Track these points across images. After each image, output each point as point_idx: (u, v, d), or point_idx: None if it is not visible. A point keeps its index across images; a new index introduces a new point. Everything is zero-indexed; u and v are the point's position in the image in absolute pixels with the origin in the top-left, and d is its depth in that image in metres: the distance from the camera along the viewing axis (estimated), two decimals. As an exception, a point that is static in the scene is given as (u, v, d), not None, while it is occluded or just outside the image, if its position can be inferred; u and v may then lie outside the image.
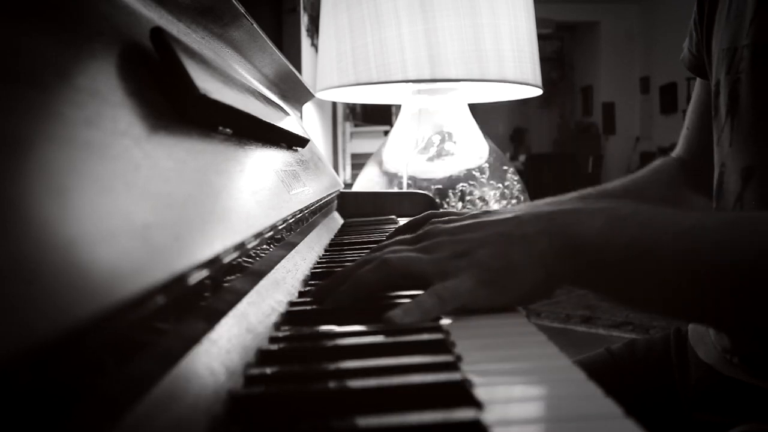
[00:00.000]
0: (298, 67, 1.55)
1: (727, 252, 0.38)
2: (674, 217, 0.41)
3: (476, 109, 1.55)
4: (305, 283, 0.52)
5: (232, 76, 0.51)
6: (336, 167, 2.27)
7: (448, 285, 0.40)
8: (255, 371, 0.30)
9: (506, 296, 0.41)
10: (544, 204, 0.45)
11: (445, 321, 0.39)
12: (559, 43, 8.43)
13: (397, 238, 0.49)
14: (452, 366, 0.30)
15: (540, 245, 0.41)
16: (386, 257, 0.42)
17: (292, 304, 0.44)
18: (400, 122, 1.45)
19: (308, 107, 1.65)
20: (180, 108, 0.37)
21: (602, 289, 0.43)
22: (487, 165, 1.40)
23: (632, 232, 0.40)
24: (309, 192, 0.68)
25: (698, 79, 0.76)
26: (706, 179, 0.75)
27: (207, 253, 0.29)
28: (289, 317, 0.41)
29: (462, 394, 0.27)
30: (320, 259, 0.65)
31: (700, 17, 0.69)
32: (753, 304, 0.38)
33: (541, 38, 1.51)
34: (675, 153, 0.83)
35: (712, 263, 0.38)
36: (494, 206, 1.36)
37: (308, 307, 0.43)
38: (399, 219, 1.00)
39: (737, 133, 0.61)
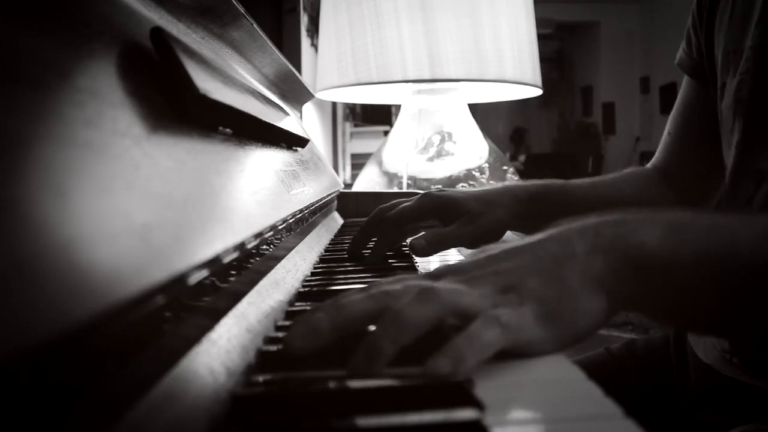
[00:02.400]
0: (298, 67, 1.55)
1: None
2: (742, 219, 0.36)
3: (476, 109, 1.55)
4: (305, 282, 0.52)
5: (232, 76, 0.51)
6: (336, 167, 2.27)
7: (505, 311, 0.31)
8: (255, 371, 0.30)
9: (570, 331, 0.33)
10: (567, 222, 0.37)
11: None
12: (559, 43, 8.42)
13: (403, 276, 0.38)
14: (452, 366, 0.30)
15: (596, 265, 0.34)
16: (434, 285, 0.32)
17: (292, 304, 0.44)
18: (400, 122, 1.45)
19: (308, 107, 1.65)
20: (180, 108, 0.37)
21: (668, 308, 0.36)
22: (487, 165, 1.40)
23: (700, 239, 0.34)
24: (309, 192, 0.68)
25: (686, 81, 0.75)
26: (682, 184, 0.75)
27: (207, 253, 0.29)
28: (289, 317, 0.41)
29: (462, 394, 0.27)
30: (320, 259, 0.65)
31: (699, 21, 0.69)
32: None
33: (541, 38, 1.51)
34: (650, 163, 0.80)
35: None
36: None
37: (308, 307, 0.43)
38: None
39: (744, 136, 0.61)
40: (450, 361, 0.28)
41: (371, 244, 0.66)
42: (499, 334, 0.30)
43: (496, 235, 0.66)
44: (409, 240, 0.62)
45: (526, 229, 0.70)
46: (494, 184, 0.71)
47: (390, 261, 0.63)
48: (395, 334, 0.30)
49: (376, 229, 0.65)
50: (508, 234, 0.68)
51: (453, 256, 0.68)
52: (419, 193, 0.67)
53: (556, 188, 0.70)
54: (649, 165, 0.80)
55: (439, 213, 0.65)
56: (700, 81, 0.71)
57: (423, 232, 0.63)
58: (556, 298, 0.33)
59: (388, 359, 0.29)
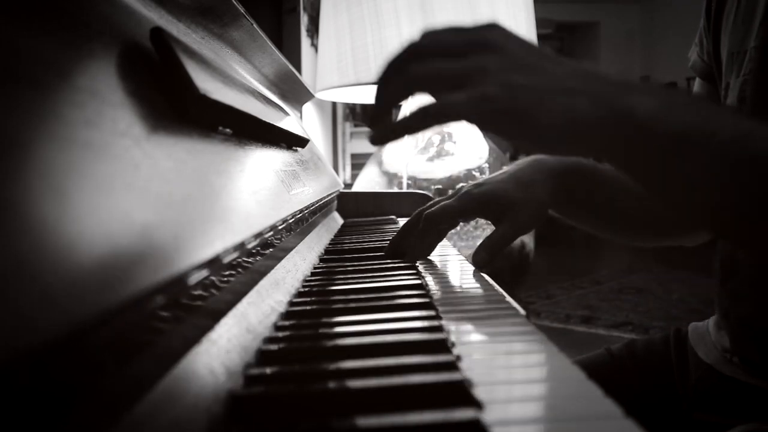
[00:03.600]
0: (298, 67, 1.55)
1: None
2: (732, 115, 0.38)
3: (476, 109, 1.55)
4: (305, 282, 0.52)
5: (232, 76, 0.51)
6: (336, 167, 2.27)
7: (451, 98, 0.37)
8: (255, 371, 0.30)
9: (518, 124, 0.37)
10: (591, 67, 0.40)
11: (446, 323, 0.39)
12: (559, 43, 8.42)
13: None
14: (452, 366, 0.30)
15: (582, 104, 0.37)
16: (416, 72, 0.39)
17: (292, 304, 0.44)
18: (400, 122, 1.45)
19: (308, 107, 1.65)
20: (180, 108, 0.37)
21: (639, 172, 0.39)
22: (486, 165, 1.40)
23: (690, 115, 0.37)
24: (309, 192, 0.68)
25: (697, 82, 0.75)
26: None
27: (207, 253, 0.29)
28: (289, 317, 0.41)
29: (462, 394, 0.27)
30: (320, 259, 0.65)
31: (707, 22, 0.69)
32: None
33: (541, 38, 1.51)
34: None
35: (762, 172, 0.36)
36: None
37: (308, 307, 0.43)
38: (399, 219, 1.00)
39: None
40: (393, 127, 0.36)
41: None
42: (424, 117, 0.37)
43: (541, 215, 0.64)
44: (470, 257, 0.61)
45: (566, 208, 0.69)
46: (519, 162, 0.69)
47: (393, 269, 0.61)
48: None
49: (416, 228, 0.64)
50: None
51: (452, 255, 0.68)
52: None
53: (589, 164, 0.69)
54: None
55: (483, 210, 0.64)
56: (711, 83, 0.71)
57: (479, 243, 0.61)
58: (527, 99, 0.36)
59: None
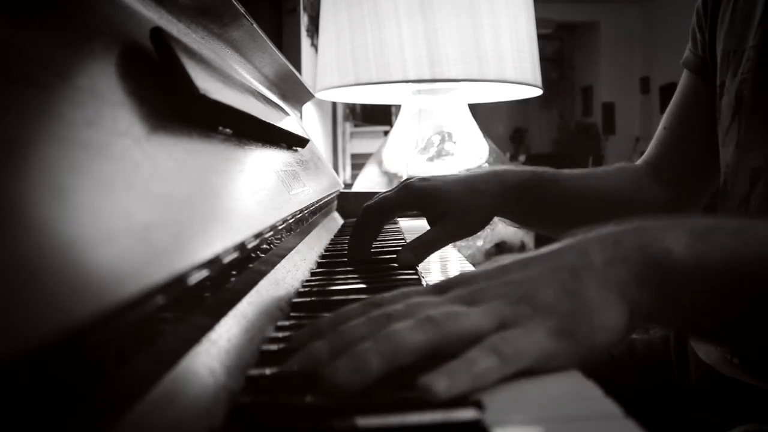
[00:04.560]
0: (298, 67, 1.55)
1: None
2: (766, 223, 0.34)
3: (476, 109, 1.55)
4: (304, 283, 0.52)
5: (232, 76, 0.51)
6: (336, 167, 2.27)
7: (508, 336, 0.29)
8: (255, 371, 0.30)
9: (585, 347, 0.30)
10: (585, 232, 0.35)
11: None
12: (559, 43, 8.42)
13: (407, 290, 0.35)
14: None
15: (616, 273, 0.32)
16: (430, 314, 0.30)
17: (292, 303, 0.44)
18: (400, 122, 1.45)
19: (308, 107, 1.65)
20: (180, 108, 0.37)
21: (696, 318, 0.34)
22: (487, 165, 1.40)
23: (728, 244, 0.33)
24: (309, 192, 0.68)
25: (686, 75, 0.74)
26: (673, 180, 0.74)
27: (207, 253, 0.29)
28: (289, 317, 0.41)
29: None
30: (320, 259, 0.64)
31: (704, 18, 0.69)
32: None
33: (541, 38, 1.51)
34: (642, 159, 0.79)
35: None
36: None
37: (308, 307, 0.43)
38: (399, 219, 1.00)
39: (744, 135, 0.61)
40: (445, 380, 0.26)
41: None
42: (497, 363, 0.28)
43: (482, 225, 0.63)
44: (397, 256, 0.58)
45: (514, 216, 0.69)
46: (482, 169, 0.68)
47: (392, 269, 0.58)
48: (389, 353, 0.28)
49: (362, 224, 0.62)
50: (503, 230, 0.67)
51: (452, 255, 0.68)
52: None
53: (547, 176, 0.68)
54: (640, 161, 0.79)
55: (422, 205, 0.62)
56: (703, 77, 0.71)
57: (407, 242, 0.59)
58: (571, 311, 0.30)
59: (373, 377, 0.27)
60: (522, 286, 0.32)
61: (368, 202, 0.62)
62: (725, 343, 0.38)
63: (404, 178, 1.34)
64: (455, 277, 0.35)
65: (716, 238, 0.33)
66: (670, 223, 0.34)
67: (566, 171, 0.72)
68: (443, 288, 0.34)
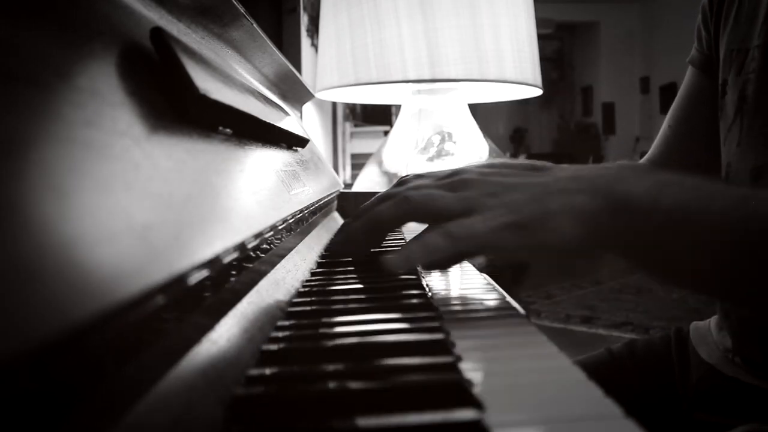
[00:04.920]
0: (298, 67, 1.55)
1: None
2: (723, 186, 0.41)
3: (476, 109, 1.55)
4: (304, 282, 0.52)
5: (232, 76, 0.51)
6: (336, 167, 2.27)
7: (464, 222, 0.37)
8: (255, 371, 0.30)
9: (534, 241, 0.37)
10: (576, 167, 0.42)
11: (447, 324, 0.39)
12: (559, 43, 8.43)
13: (419, 173, 0.46)
14: (452, 366, 0.30)
15: (580, 199, 0.38)
16: (407, 194, 0.40)
17: (292, 303, 0.44)
18: (400, 122, 1.45)
19: (308, 107, 1.65)
20: (180, 108, 0.37)
21: (641, 254, 0.40)
22: (487, 165, 1.40)
23: (681, 195, 0.39)
24: (309, 192, 0.68)
25: (691, 72, 0.75)
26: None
27: (207, 253, 0.29)
28: (289, 317, 0.41)
29: (462, 394, 0.27)
30: (320, 259, 0.65)
31: (710, 16, 0.69)
32: None
33: (541, 38, 1.51)
34: (645, 157, 0.80)
35: (762, 231, 0.37)
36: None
37: (308, 307, 0.43)
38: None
39: (746, 134, 0.61)
40: (401, 257, 0.35)
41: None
42: (446, 242, 0.36)
43: None
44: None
45: None
46: (479, 162, 0.68)
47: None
48: (370, 224, 0.40)
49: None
50: None
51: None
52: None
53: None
54: (644, 159, 0.79)
55: (420, 218, 0.61)
56: (708, 74, 0.71)
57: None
58: (529, 212, 0.37)
59: (360, 246, 0.40)
60: (499, 186, 0.39)
61: (365, 205, 0.60)
62: (668, 280, 0.43)
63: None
64: (458, 168, 0.43)
65: (671, 188, 0.39)
66: (640, 170, 0.41)
67: (561, 165, 0.72)
68: (447, 175, 0.42)
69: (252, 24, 0.61)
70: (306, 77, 1.59)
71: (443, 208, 0.38)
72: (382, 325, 0.37)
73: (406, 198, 0.40)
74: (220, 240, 0.32)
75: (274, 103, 0.72)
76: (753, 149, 0.60)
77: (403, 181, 0.44)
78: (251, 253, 0.41)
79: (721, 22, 0.66)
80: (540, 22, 1.41)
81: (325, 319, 0.41)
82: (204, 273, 0.29)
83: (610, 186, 0.39)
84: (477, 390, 0.27)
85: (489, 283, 0.52)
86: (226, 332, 0.32)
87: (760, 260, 0.37)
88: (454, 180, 0.40)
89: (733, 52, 0.63)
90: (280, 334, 0.36)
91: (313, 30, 1.79)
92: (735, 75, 0.62)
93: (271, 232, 0.47)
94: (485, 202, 0.38)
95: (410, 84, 1.29)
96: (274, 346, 0.34)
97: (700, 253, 0.39)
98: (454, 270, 0.61)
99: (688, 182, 0.40)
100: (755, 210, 0.37)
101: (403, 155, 1.39)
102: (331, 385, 0.29)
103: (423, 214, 0.39)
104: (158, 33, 0.37)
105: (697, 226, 0.38)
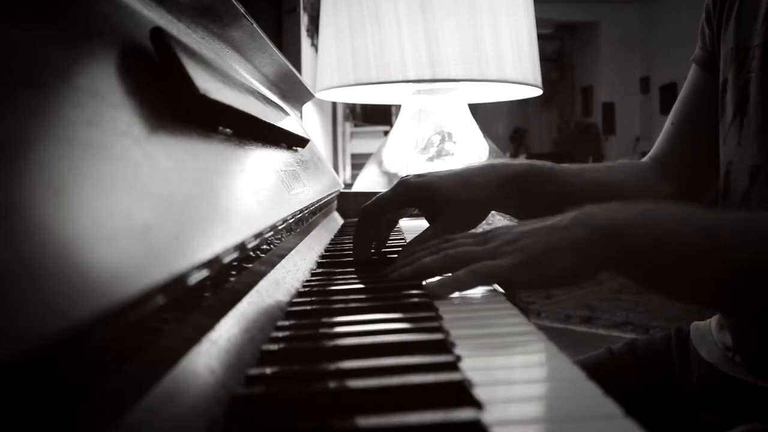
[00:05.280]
0: (298, 67, 1.55)
1: (732, 249, 0.45)
2: (694, 214, 0.47)
3: (476, 109, 1.55)
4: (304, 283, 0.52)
5: (232, 76, 0.51)
6: (336, 167, 2.27)
7: (487, 263, 0.46)
8: (255, 371, 0.30)
9: (541, 275, 0.46)
10: (578, 208, 0.50)
11: (446, 323, 0.39)
12: (559, 43, 8.43)
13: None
14: (452, 366, 0.30)
15: (577, 234, 0.46)
16: (448, 253, 0.49)
17: (292, 303, 0.44)
18: (400, 122, 1.45)
19: (308, 107, 1.65)
20: (180, 108, 0.37)
21: (631, 273, 0.47)
22: (487, 165, 1.40)
23: (659, 226, 0.46)
24: (309, 192, 0.68)
25: (694, 70, 0.74)
26: (679, 176, 0.74)
27: (207, 253, 0.29)
28: (289, 317, 0.41)
29: (462, 394, 0.27)
30: (320, 259, 0.64)
31: (713, 14, 0.69)
32: (754, 297, 0.45)
33: (541, 38, 1.51)
34: (648, 156, 0.79)
35: (726, 256, 0.44)
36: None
37: (308, 307, 0.43)
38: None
39: (746, 132, 0.61)
40: (438, 285, 0.46)
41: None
42: (472, 277, 0.46)
43: (480, 219, 0.64)
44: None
45: (512, 209, 0.69)
46: (478, 162, 0.69)
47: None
48: (418, 271, 0.50)
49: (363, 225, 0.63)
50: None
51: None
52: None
53: (545, 169, 0.68)
54: (646, 158, 0.79)
55: (418, 200, 0.62)
56: (711, 72, 0.70)
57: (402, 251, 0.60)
58: (538, 252, 0.46)
59: (406, 278, 0.49)
60: (517, 234, 0.48)
61: (366, 204, 0.63)
62: (660, 291, 0.50)
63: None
64: (492, 229, 0.52)
65: (655, 216, 0.47)
66: (634, 205, 0.48)
67: (565, 165, 0.72)
68: (481, 234, 0.53)
69: (252, 24, 0.62)
70: (306, 77, 1.59)
71: (474, 256, 0.48)
72: (382, 325, 0.37)
73: (447, 255, 0.49)
74: (220, 240, 0.32)
75: (274, 103, 0.72)
76: (752, 148, 0.60)
77: (449, 239, 0.54)
78: (251, 253, 0.41)
79: (723, 20, 0.66)
80: (540, 22, 1.41)
81: (325, 319, 0.41)
82: (204, 273, 0.29)
83: (602, 219, 0.47)
84: (477, 389, 0.27)
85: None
86: (226, 332, 0.32)
87: (732, 271, 0.44)
88: (485, 238, 0.50)
89: (733, 51, 0.63)
90: (280, 334, 0.36)
91: (313, 30, 1.79)
92: (735, 74, 0.62)
93: (271, 232, 0.47)
94: (504, 249, 0.47)
95: (410, 84, 1.29)
96: (274, 346, 0.34)
97: (683, 268, 0.45)
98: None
99: (668, 211, 0.48)
100: (717, 236, 0.45)
101: (403, 155, 1.39)
102: (331, 384, 0.29)
103: (462, 264, 0.47)
104: (158, 33, 0.37)
105: (668, 253, 0.45)
